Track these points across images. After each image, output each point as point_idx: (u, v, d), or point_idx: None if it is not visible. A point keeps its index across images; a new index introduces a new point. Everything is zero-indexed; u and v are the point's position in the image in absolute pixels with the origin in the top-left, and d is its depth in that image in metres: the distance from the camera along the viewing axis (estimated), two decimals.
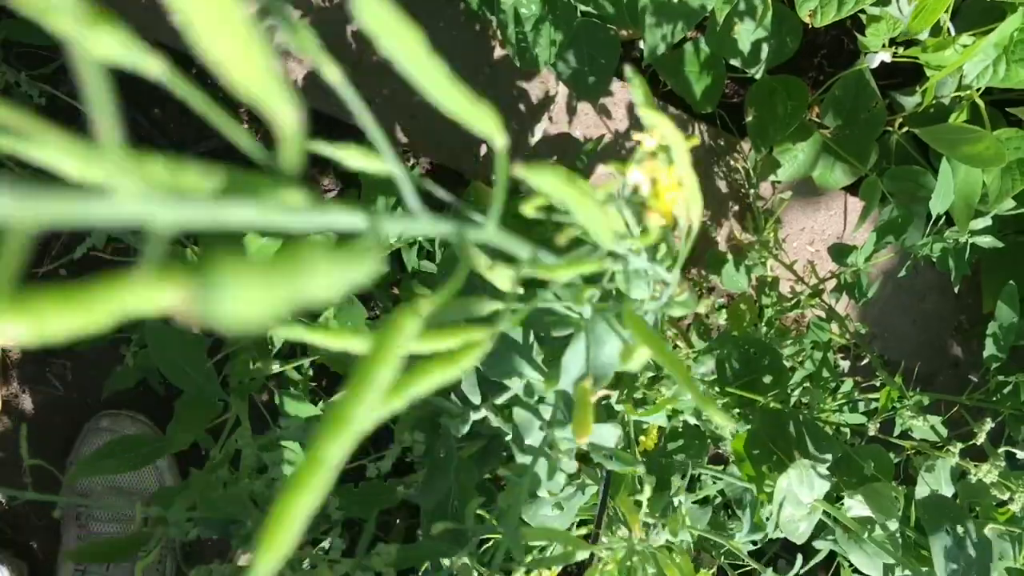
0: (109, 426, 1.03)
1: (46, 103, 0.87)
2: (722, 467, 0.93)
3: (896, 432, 0.99)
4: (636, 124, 1.25)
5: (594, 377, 0.41)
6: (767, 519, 0.85)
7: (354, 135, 1.10)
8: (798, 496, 0.74)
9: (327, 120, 1.07)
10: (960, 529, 0.76)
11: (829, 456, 0.78)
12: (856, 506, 0.79)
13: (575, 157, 1.20)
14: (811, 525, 0.78)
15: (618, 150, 1.24)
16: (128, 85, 1.01)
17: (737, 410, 0.89)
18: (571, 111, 1.24)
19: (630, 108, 1.23)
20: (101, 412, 1.05)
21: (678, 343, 1.18)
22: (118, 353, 0.97)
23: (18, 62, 0.82)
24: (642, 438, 0.94)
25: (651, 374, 0.84)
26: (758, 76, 1.02)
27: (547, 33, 0.89)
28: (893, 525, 0.78)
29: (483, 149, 1.15)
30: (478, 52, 1.13)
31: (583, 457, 0.65)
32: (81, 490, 1.03)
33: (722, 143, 1.26)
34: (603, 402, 0.75)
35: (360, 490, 0.74)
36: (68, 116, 0.90)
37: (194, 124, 1.04)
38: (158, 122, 1.02)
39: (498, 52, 1.14)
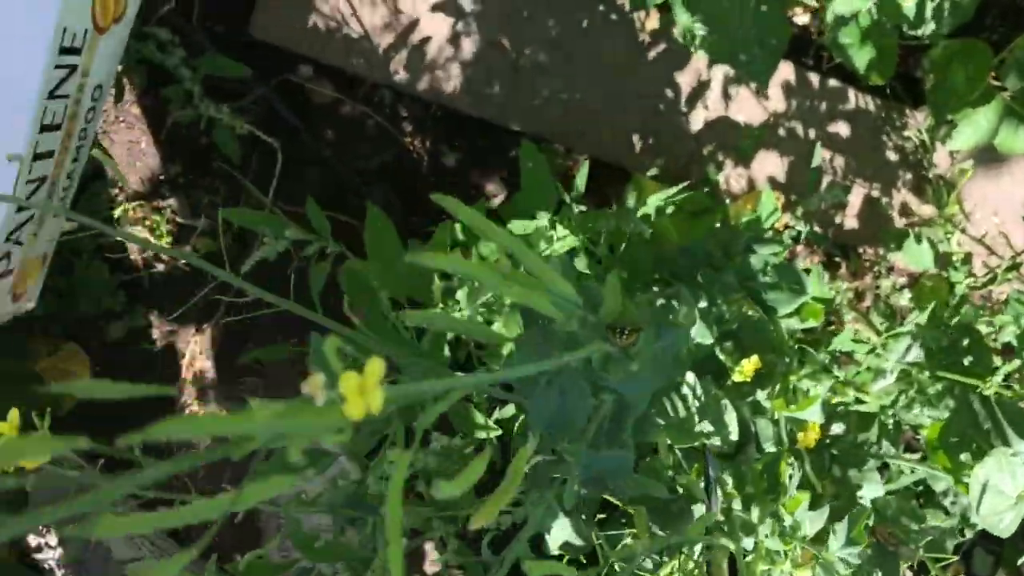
0: None
1: (266, 116, 0.92)
2: (920, 456, 0.88)
3: None
4: (794, 105, 1.20)
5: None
6: (964, 511, 0.80)
7: (509, 138, 1.12)
8: (999, 486, 0.69)
9: (478, 124, 1.09)
10: None
11: None
12: None
13: (737, 141, 1.17)
14: (1018, 517, 0.73)
15: (779, 133, 1.20)
16: (301, 107, 1.07)
17: (931, 394, 0.83)
18: (727, 96, 1.21)
19: (787, 89, 1.18)
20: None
21: (858, 326, 1.13)
22: (301, 370, 1.02)
23: (214, 95, 0.89)
24: (800, 434, 0.90)
25: (808, 369, 0.81)
26: (935, 41, 0.96)
27: (725, 16, 0.87)
28: None
29: (640, 141, 1.14)
30: (627, 43, 1.12)
31: None
32: (279, 503, 1.09)
33: (893, 115, 1.19)
34: (749, 399, 0.72)
35: None
36: (265, 145, 0.96)
37: (364, 141, 1.08)
38: (331, 142, 1.07)
39: (645, 40, 1.13)
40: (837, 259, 1.24)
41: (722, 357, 0.71)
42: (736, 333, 0.71)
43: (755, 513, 0.70)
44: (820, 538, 0.72)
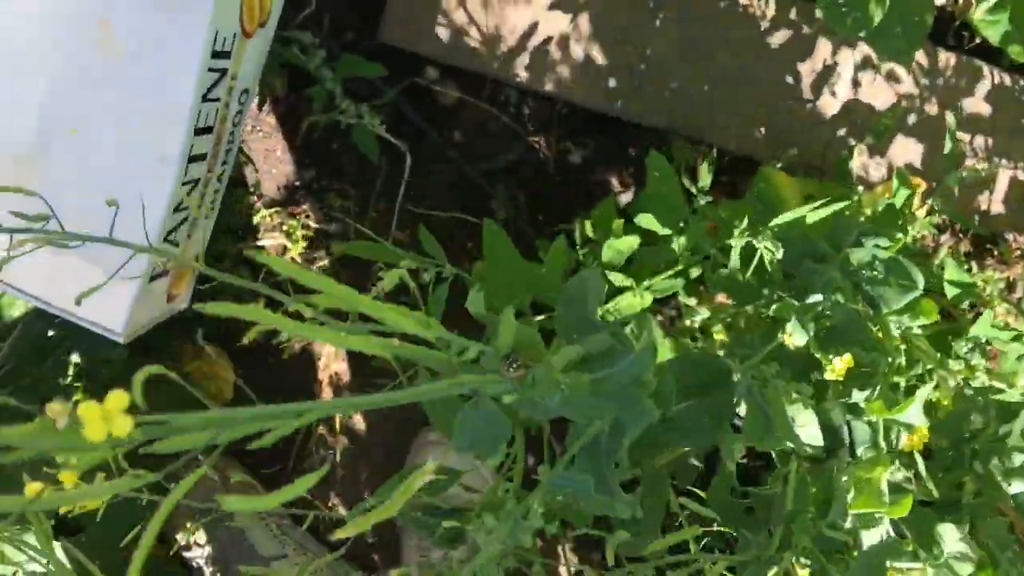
0: (437, 439, 1.10)
1: (395, 120, 0.94)
2: None
3: None
4: (930, 88, 1.15)
5: None
6: None
7: (636, 132, 1.10)
8: None
9: (604, 120, 1.08)
10: None
11: None
12: None
13: (871, 128, 1.13)
14: None
15: (913, 117, 1.15)
16: (428, 109, 1.08)
17: None
18: (856, 83, 1.17)
19: (922, 71, 1.13)
20: (428, 426, 1.11)
21: (1009, 318, 1.07)
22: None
23: (353, 95, 0.91)
24: (906, 437, 0.84)
25: (917, 371, 0.76)
26: None
27: None
28: None
29: (769, 131, 1.12)
30: (750, 31, 1.10)
31: None
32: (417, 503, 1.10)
33: None
34: (843, 400, 0.68)
35: None
36: (393, 148, 0.98)
37: (489, 141, 1.09)
38: (456, 143, 1.08)
39: (764, 26, 1.10)
40: (988, 246, 1.18)
41: (818, 356, 0.67)
42: (835, 330, 0.68)
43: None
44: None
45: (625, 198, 1.13)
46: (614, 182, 1.12)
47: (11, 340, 0.86)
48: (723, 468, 0.63)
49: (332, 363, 1.12)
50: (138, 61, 0.71)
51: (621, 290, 0.79)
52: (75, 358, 0.87)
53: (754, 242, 0.66)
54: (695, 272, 0.87)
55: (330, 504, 1.13)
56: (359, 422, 1.15)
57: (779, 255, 0.64)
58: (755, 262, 0.68)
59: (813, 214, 0.70)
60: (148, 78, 0.71)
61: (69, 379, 0.86)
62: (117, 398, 0.24)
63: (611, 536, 0.52)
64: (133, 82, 0.71)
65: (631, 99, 1.07)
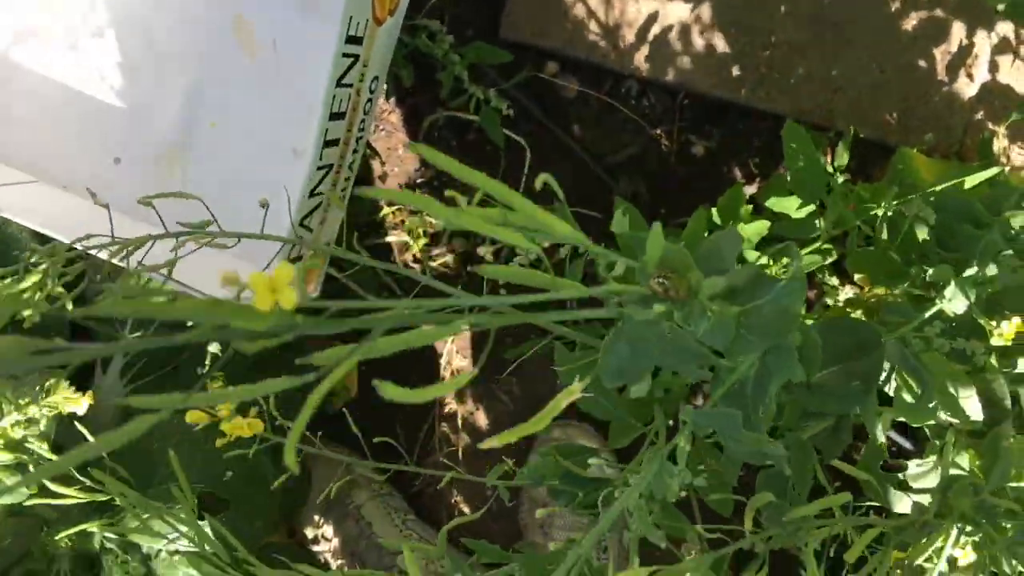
0: (560, 436, 1.08)
1: (515, 114, 0.95)
2: None
3: None
4: None
5: None
6: None
7: (761, 122, 1.08)
8: None
9: (727, 110, 1.06)
10: None
11: None
12: None
13: (1013, 110, 1.07)
14: None
15: None
16: (549, 103, 1.08)
17: None
18: (994, 66, 1.12)
19: None
20: (551, 423, 1.10)
21: None
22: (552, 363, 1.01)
23: (476, 79, 0.92)
24: None
25: None
26: None
27: None
28: None
29: (903, 116, 1.07)
30: (880, 13, 1.06)
31: None
32: (541, 500, 1.09)
33: None
34: (1007, 370, 0.63)
35: None
36: (532, 134, 0.98)
37: (610, 134, 1.08)
38: (577, 137, 1.08)
39: (895, 7, 1.06)
40: None
41: (981, 322, 0.63)
42: (1001, 294, 0.64)
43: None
44: None
45: (750, 190, 1.11)
46: (738, 174, 1.09)
47: (152, 330, 0.88)
48: (872, 440, 0.59)
49: (454, 360, 1.12)
50: (274, 51, 0.73)
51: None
52: (212, 348, 0.89)
53: (903, 210, 0.62)
54: (835, 255, 0.84)
55: (453, 500, 1.13)
56: (481, 420, 1.15)
57: (931, 220, 0.60)
58: (903, 232, 0.64)
59: (970, 179, 0.66)
60: (284, 67, 0.73)
61: (207, 367, 0.88)
62: (284, 270, 0.24)
63: (752, 497, 0.49)
64: (270, 71, 0.73)
65: (756, 87, 1.05)
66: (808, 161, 0.80)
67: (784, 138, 0.81)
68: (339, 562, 1.04)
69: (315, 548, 1.07)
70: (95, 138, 0.79)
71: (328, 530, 1.05)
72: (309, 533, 1.06)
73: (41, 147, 0.80)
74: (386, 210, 1.08)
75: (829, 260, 0.83)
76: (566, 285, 0.35)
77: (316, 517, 1.05)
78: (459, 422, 1.13)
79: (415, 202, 0.27)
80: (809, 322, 0.67)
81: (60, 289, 0.64)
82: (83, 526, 0.68)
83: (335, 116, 0.74)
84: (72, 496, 0.62)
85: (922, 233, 0.65)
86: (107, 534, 0.75)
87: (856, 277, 0.94)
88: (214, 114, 0.77)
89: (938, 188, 0.66)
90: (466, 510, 1.17)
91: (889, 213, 0.66)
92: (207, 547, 0.65)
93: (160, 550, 0.74)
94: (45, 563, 0.81)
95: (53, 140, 0.80)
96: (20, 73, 0.80)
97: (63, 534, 0.70)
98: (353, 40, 0.72)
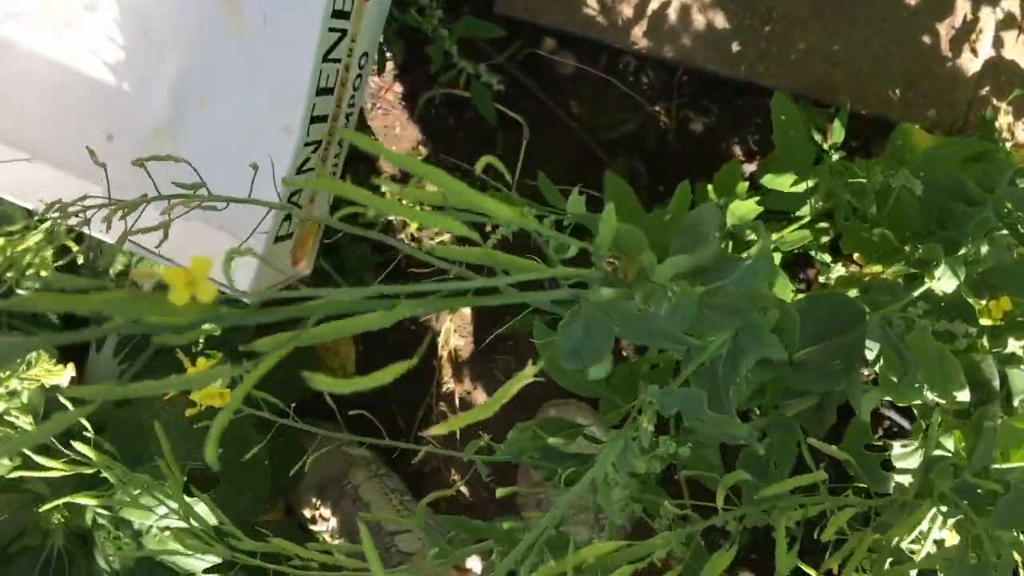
0: (557, 415, 1.08)
1: (505, 90, 0.95)
2: None
3: None
4: None
5: None
6: None
7: (761, 98, 1.06)
8: None
9: (727, 86, 1.05)
10: None
11: None
12: None
13: (1016, 86, 1.05)
14: None
15: None
16: (545, 80, 1.07)
17: None
18: (998, 41, 1.10)
19: None
20: (550, 402, 1.10)
21: None
22: None
23: (471, 55, 0.91)
24: None
25: None
26: None
27: None
28: None
29: (905, 92, 1.06)
30: None
31: None
32: (538, 480, 1.09)
33: None
34: (996, 351, 0.62)
35: None
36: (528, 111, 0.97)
37: (608, 111, 1.07)
38: (574, 114, 1.07)
39: None
40: None
41: (970, 300, 0.62)
42: (990, 274, 0.63)
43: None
44: None
45: (750, 168, 1.09)
46: (738, 151, 1.08)
47: None
48: (856, 419, 0.59)
49: (451, 339, 1.12)
50: (262, 27, 0.72)
51: (748, 247, 0.75)
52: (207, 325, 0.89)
53: (891, 183, 0.61)
54: (827, 235, 0.83)
55: (452, 479, 1.13)
56: (478, 398, 1.15)
57: (918, 191, 0.59)
58: (890, 205, 0.63)
59: (962, 152, 0.65)
60: (272, 43, 0.72)
61: (201, 346, 0.88)
62: (202, 262, 0.23)
63: (727, 476, 0.49)
64: (258, 48, 0.73)
65: (756, 62, 1.03)
66: (796, 132, 0.79)
67: (772, 109, 0.80)
68: (337, 542, 1.04)
69: (313, 528, 1.07)
70: (88, 115, 0.79)
71: (326, 510, 1.05)
72: (307, 513, 1.07)
73: (34, 125, 0.80)
74: (384, 188, 1.07)
75: (824, 239, 0.82)
76: (524, 266, 0.35)
77: (314, 498, 1.06)
78: (456, 401, 1.13)
79: (362, 198, 0.27)
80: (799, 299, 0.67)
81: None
82: (71, 497, 0.68)
83: (323, 91, 0.74)
84: (58, 468, 0.62)
85: (910, 202, 0.64)
86: (99, 510, 0.76)
87: (855, 256, 0.93)
88: (204, 90, 0.77)
89: (927, 157, 0.65)
90: (464, 490, 1.17)
91: (877, 187, 0.65)
92: (193, 522, 0.66)
93: (151, 526, 0.75)
94: (40, 538, 0.82)
95: (46, 118, 0.80)
96: (12, 52, 0.80)
97: (52, 504, 0.71)
98: (340, 14, 0.72)
